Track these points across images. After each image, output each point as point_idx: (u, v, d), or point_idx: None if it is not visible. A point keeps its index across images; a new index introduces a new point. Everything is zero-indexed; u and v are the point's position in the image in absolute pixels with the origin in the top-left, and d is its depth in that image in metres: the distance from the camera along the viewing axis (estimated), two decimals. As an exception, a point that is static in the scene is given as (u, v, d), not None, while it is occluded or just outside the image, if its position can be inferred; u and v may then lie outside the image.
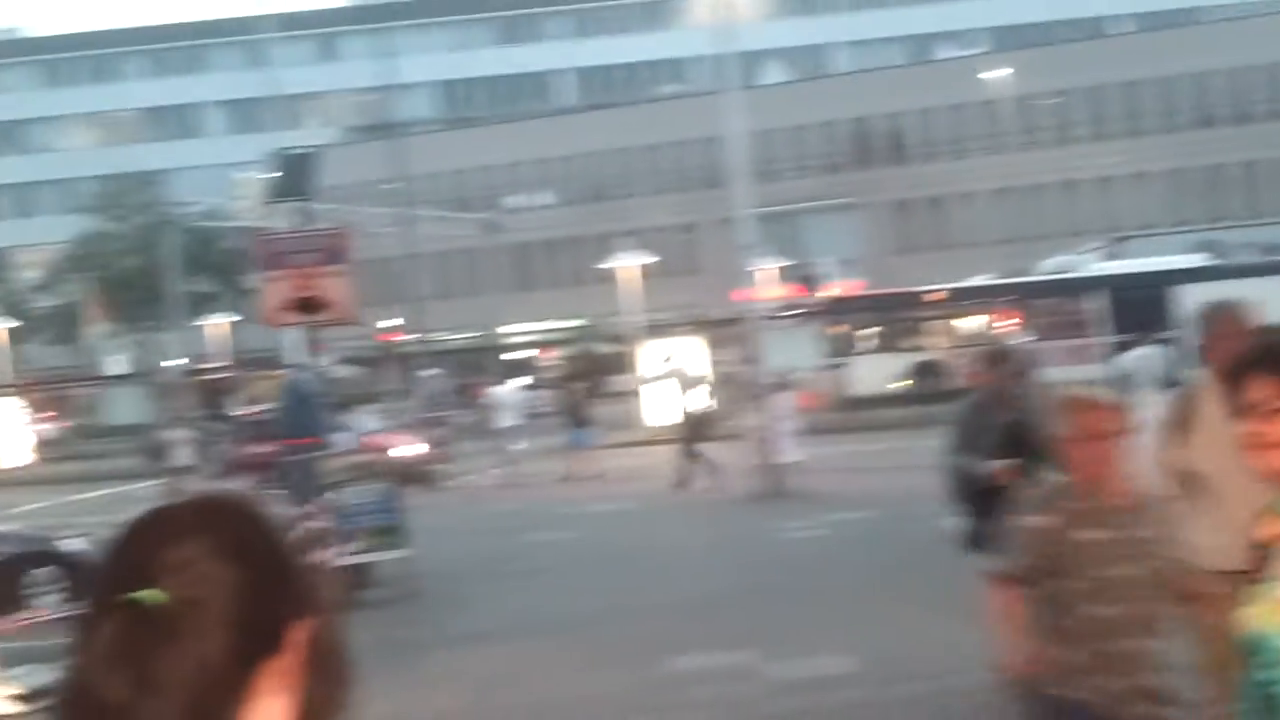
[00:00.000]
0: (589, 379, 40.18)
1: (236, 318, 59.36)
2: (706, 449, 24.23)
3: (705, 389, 26.72)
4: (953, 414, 9.11)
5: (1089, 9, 77.58)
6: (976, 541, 8.36)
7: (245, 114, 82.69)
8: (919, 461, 24.87)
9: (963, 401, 9.30)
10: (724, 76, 26.07)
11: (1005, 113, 59.54)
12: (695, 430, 24.64)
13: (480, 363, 52.40)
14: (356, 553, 14.81)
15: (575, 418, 27.80)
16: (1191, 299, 29.92)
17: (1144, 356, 21.39)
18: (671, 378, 26.31)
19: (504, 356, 54.19)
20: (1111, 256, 40.93)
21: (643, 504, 22.34)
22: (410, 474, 27.02)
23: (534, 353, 56.94)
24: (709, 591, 13.85)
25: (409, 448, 28.36)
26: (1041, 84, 62.35)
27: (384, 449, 27.07)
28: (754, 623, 11.90)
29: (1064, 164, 62.26)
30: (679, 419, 25.45)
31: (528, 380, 43.11)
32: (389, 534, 14.97)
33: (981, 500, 8.16)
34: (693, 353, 35.40)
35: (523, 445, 28.33)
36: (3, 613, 14.91)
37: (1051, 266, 41.53)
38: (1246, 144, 60.36)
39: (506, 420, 28.43)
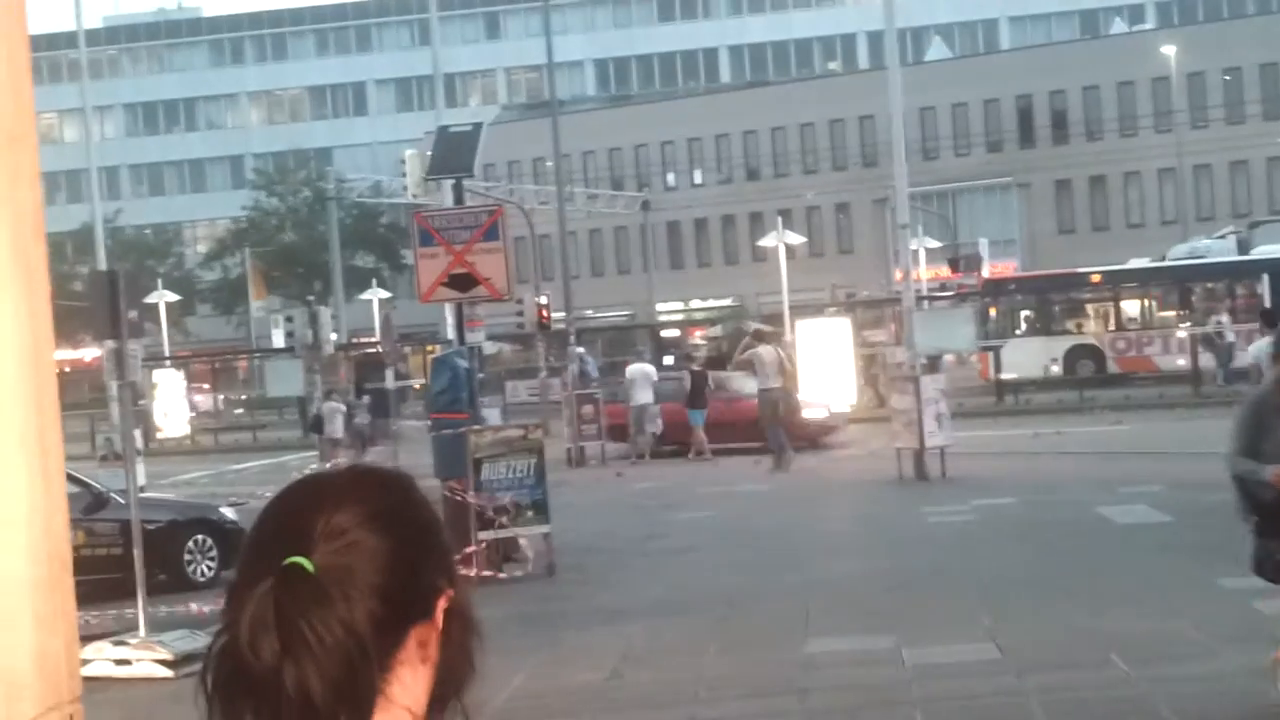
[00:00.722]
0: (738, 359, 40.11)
1: (390, 294, 60.47)
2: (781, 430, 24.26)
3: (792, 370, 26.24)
4: (1236, 412, 7.84)
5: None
6: (1260, 566, 7.55)
7: (409, 92, 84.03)
8: (1071, 447, 24.61)
9: (1247, 397, 8.21)
10: (885, 53, 25.76)
11: (1173, 90, 57.96)
12: (773, 411, 24.57)
13: (631, 340, 52.63)
14: (501, 527, 15.04)
15: (693, 398, 27.89)
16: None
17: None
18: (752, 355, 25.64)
19: (656, 334, 54.36)
20: (1241, 243, 39.88)
21: (786, 485, 22.32)
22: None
23: (681, 331, 56.98)
24: (850, 574, 13.80)
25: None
26: (1211, 60, 60.57)
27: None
28: (895, 607, 11.85)
29: (1233, 143, 60.45)
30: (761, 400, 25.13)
31: (669, 359, 43.07)
32: (533, 509, 15.16)
33: (1269, 515, 7.31)
34: (836, 332, 35.18)
35: (658, 424, 28.55)
36: (164, 578, 15.46)
37: (1183, 252, 40.50)
38: None
39: (642, 398, 28.62)
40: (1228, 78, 62.11)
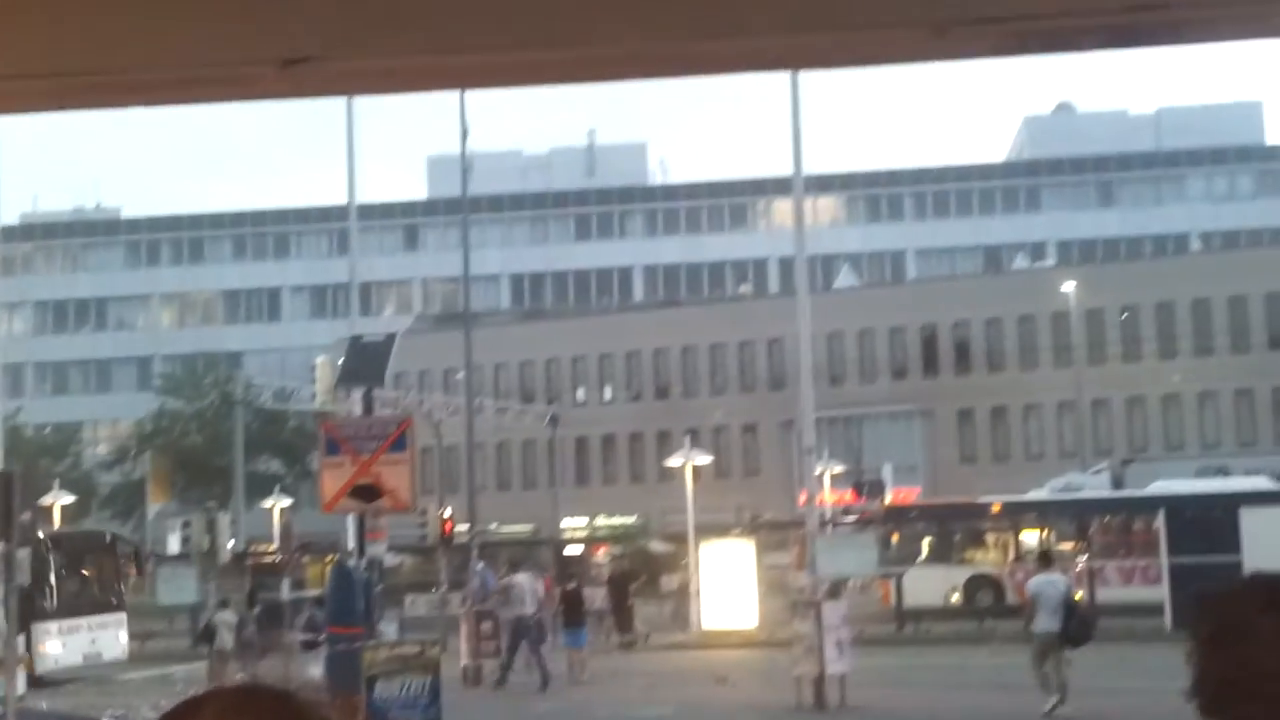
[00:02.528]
0: (640, 577, 39.90)
1: (292, 501, 59.81)
2: None
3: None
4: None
5: (1159, 226, 78.21)
6: None
7: (324, 298, 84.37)
8: (972, 680, 24.54)
9: None
10: (795, 279, 26.35)
11: (1072, 325, 59.67)
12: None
13: (535, 556, 52.24)
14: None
15: (569, 617, 27.76)
16: (1253, 522, 29.67)
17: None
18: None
19: (559, 550, 54.04)
20: (1115, 479, 41.26)
21: (685, 712, 22.02)
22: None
23: (585, 548, 56.72)
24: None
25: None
26: (1108, 298, 62.53)
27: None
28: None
29: (1129, 379, 62.08)
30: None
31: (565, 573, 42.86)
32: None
33: None
34: (739, 554, 35.21)
35: (547, 641, 28.30)
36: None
37: (1060, 485, 41.59)
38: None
39: (522, 609, 28.40)
40: (1124, 316, 64.10)
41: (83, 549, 32.99)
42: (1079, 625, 20.11)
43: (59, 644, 29.35)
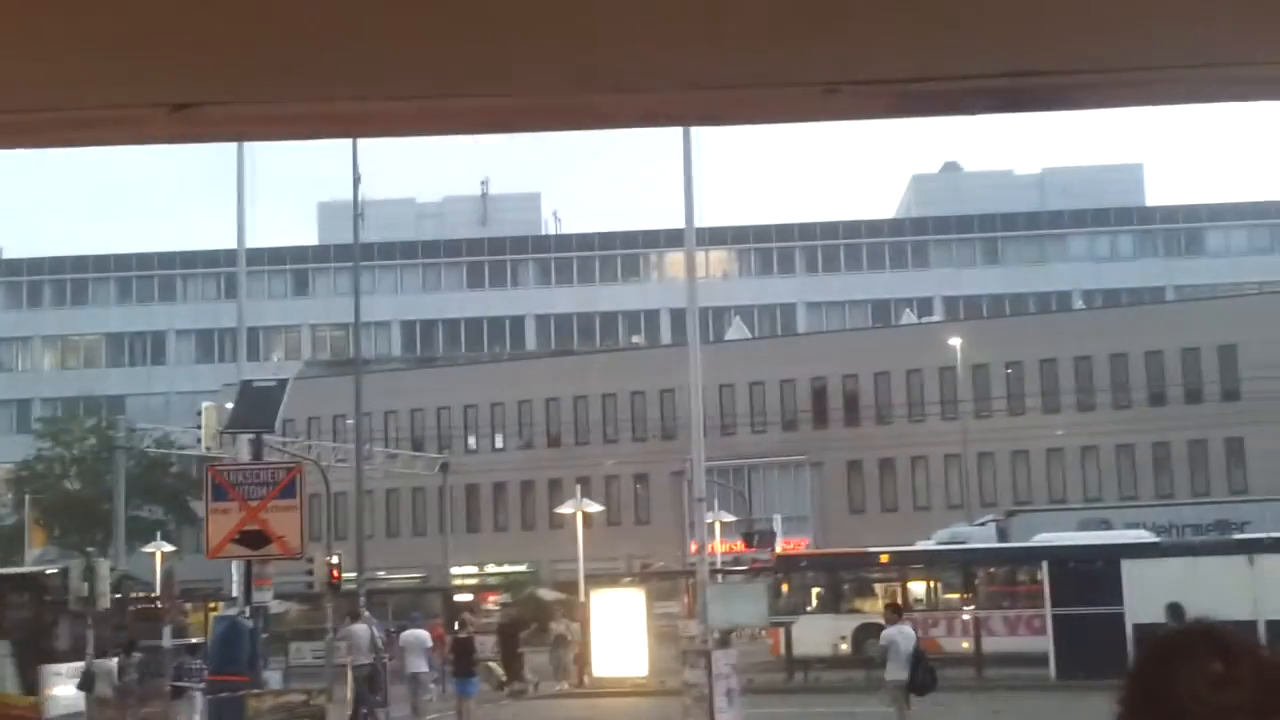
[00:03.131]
0: (530, 625, 39.68)
1: (174, 548, 58.81)
2: None
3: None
4: None
5: (1043, 284, 79.83)
6: None
7: (210, 343, 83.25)
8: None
9: None
10: (687, 330, 26.48)
11: (959, 379, 60.61)
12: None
13: (424, 603, 51.76)
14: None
15: (459, 666, 27.69)
16: (1134, 573, 30.23)
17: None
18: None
19: (449, 598, 53.60)
20: (1001, 530, 42.14)
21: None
22: None
23: (475, 596, 56.32)
24: None
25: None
26: (993, 354, 63.63)
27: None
28: None
29: (1014, 433, 63.12)
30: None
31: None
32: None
33: None
34: (629, 603, 35.14)
35: (432, 693, 28.35)
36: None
37: (946, 536, 42.25)
38: (1196, 422, 61.38)
39: (415, 666, 28.27)
40: (1009, 371, 65.21)
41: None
42: (925, 674, 20.76)
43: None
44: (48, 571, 36.90)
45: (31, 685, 29.30)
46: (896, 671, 20.56)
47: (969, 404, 61.39)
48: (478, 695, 28.26)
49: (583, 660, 35.33)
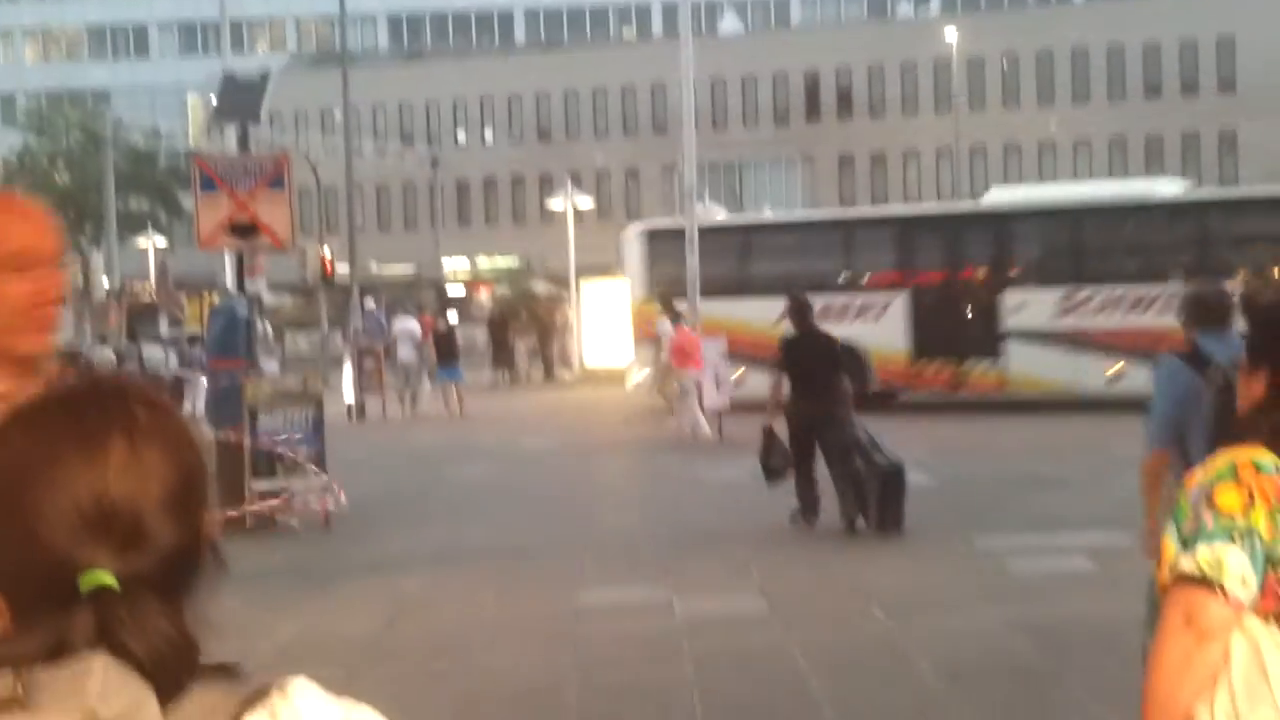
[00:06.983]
0: (522, 318, 40.20)
1: (165, 241, 58.91)
2: None
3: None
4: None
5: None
6: None
7: (193, 36, 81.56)
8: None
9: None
10: (679, 24, 26.01)
11: (954, 73, 59.80)
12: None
13: (415, 296, 52.22)
14: (275, 478, 14.87)
15: (442, 354, 28.60)
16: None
17: None
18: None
19: (441, 290, 54.10)
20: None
21: (567, 442, 22.48)
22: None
23: (467, 288, 56.78)
24: (626, 529, 14.02)
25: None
26: (990, 46, 62.58)
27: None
28: (669, 561, 12.06)
29: (1008, 127, 62.62)
30: None
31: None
32: (310, 461, 15.00)
33: None
34: (619, 294, 35.50)
35: (425, 379, 29.25)
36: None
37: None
38: (1190, 115, 60.91)
39: (405, 356, 29.02)
40: (1005, 64, 64.26)
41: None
42: None
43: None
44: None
45: None
46: None
47: (963, 99, 60.71)
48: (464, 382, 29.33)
49: (565, 352, 36.14)
